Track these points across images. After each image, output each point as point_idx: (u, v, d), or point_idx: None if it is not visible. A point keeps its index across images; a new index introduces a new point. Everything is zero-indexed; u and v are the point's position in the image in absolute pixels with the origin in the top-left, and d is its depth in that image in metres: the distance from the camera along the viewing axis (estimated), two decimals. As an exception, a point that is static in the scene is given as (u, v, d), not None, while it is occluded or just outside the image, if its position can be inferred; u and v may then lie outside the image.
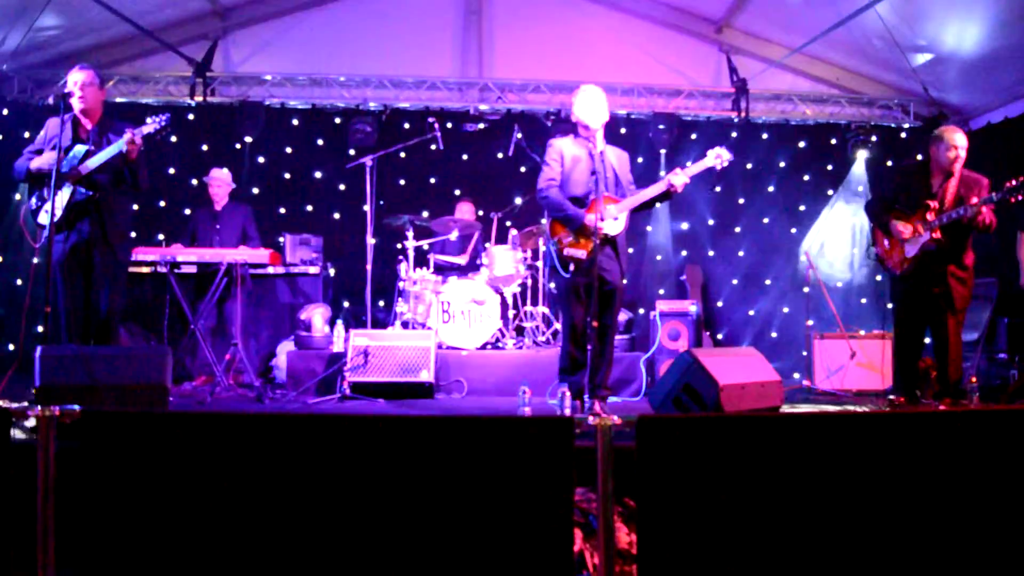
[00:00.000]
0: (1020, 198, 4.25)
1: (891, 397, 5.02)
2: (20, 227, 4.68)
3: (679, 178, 4.36)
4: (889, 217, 4.75)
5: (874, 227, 4.98)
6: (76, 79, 4.54)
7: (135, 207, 7.47)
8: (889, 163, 8.16)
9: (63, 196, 4.40)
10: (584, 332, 4.42)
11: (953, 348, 4.57)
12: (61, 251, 4.45)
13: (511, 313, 6.75)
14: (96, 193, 4.48)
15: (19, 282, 7.34)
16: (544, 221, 6.88)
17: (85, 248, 4.50)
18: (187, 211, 7.80)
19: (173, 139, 7.73)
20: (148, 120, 4.58)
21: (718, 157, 4.50)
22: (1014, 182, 4.25)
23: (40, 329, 4.06)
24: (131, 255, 5.12)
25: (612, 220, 4.38)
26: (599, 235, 4.25)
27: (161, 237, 6.65)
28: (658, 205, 4.69)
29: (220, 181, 6.64)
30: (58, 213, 4.37)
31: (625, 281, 4.62)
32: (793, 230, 8.37)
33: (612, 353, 4.64)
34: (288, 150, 8.17)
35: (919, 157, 7.02)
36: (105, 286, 4.55)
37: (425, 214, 7.71)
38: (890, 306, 5.08)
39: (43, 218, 4.41)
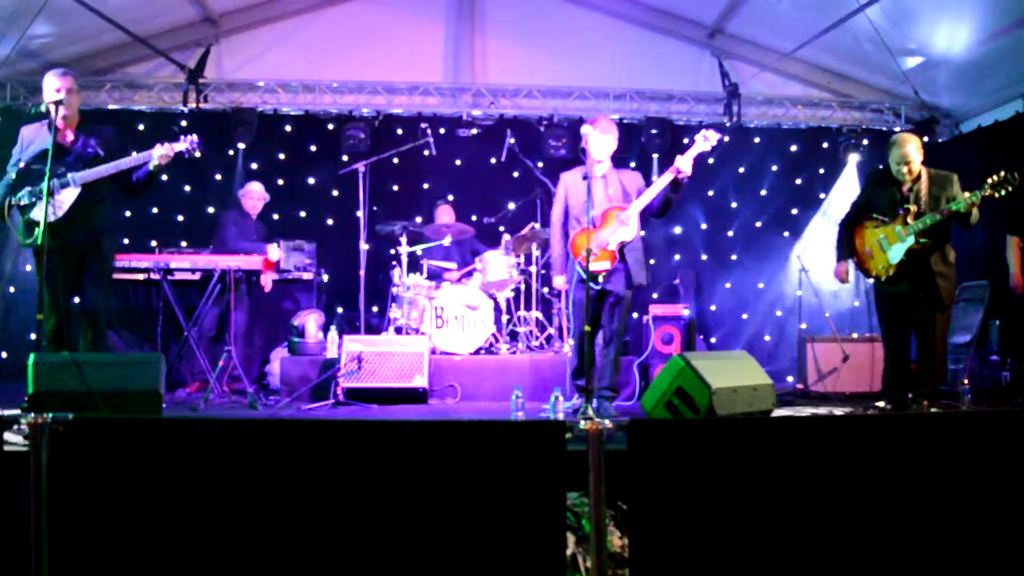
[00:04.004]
0: (1006, 192, 4.22)
1: (879, 404, 5.01)
2: (8, 229, 4.54)
3: (683, 160, 4.49)
4: (851, 238, 4.83)
5: (842, 240, 4.94)
6: (59, 85, 4.38)
7: (127, 213, 7.51)
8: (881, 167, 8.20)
9: (68, 196, 4.36)
10: (584, 338, 4.54)
11: (940, 347, 4.53)
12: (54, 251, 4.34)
13: (504, 318, 6.76)
14: (100, 197, 4.46)
15: (12, 290, 7.30)
16: (536, 226, 6.94)
17: (77, 250, 4.45)
18: (179, 217, 7.83)
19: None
20: (182, 138, 4.61)
21: (705, 139, 4.61)
22: (994, 177, 4.23)
23: (33, 337, 4.01)
24: (115, 260, 5.08)
25: (623, 226, 4.57)
26: (585, 265, 4.42)
27: (154, 244, 6.63)
28: (674, 198, 4.69)
29: (257, 195, 6.79)
30: (60, 213, 4.33)
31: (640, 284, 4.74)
32: (785, 233, 8.39)
33: (611, 358, 4.69)
34: (281, 156, 8.18)
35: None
36: (95, 290, 4.49)
37: (419, 219, 7.71)
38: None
39: (38, 215, 4.20)
